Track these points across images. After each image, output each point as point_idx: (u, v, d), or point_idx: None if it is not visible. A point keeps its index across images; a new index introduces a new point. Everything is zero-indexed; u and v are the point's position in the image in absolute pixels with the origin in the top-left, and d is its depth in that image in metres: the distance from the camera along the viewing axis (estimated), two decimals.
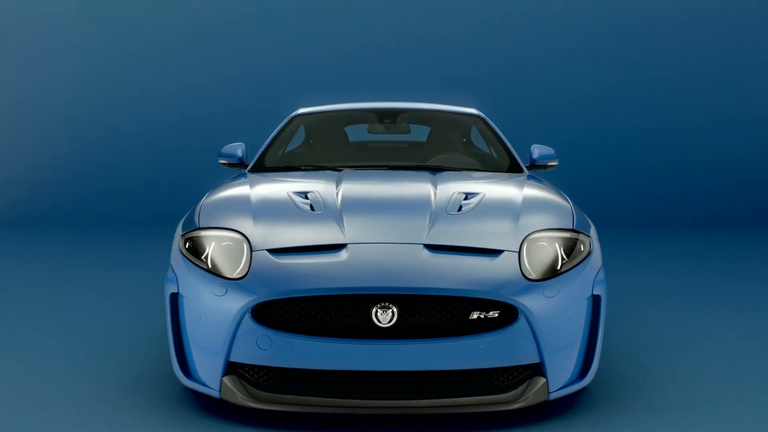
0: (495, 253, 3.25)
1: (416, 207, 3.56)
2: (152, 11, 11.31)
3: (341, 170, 4.34)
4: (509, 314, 3.12)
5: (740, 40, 11.39)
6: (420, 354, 3.05)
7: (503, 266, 3.20)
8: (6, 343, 4.49)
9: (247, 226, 3.40)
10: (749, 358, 4.25)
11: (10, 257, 7.73)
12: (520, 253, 3.27)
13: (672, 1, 11.40)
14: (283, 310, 3.10)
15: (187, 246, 3.40)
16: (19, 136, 11.23)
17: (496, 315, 3.11)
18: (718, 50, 11.38)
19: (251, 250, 3.26)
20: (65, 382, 3.77)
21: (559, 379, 3.23)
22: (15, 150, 11.21)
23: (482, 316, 3.10)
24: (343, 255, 3.19)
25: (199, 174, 10.31)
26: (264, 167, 4.72)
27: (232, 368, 3.18)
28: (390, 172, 4.44)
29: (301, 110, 5.42)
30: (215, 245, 3.33)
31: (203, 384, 3.26)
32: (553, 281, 3.21)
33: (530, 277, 3.20)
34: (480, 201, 3.65)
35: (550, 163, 4.97)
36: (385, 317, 3.05)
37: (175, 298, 3.35)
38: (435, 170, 4.39)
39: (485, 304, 3.10)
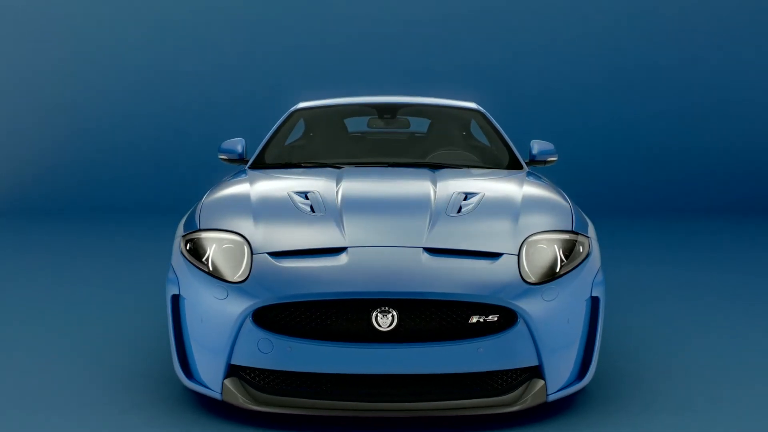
0: (494, 256, 3.26)
1: (416, 208, 3.57)
2: (154, 2, 11.30)
3: (341, 167, 4.35)
4: (508, 318, 3.14)
5: (740, 30, 11.35)
6: (420, 357, 3.07)
7: (502, 270, 3.21)
8: (6, 342, 4.49)
9: (248, 227, 3.40)
10: (749, 358, 4.25)
11: (10, 249, 7.74)
12: (519, 256, 3.28)
13: None
14: (284, 314, 3.11)
15: (188, 248, 3.41)
16: (17, 123, 11.20)
17: (496, 319, 3.12)
18: (717, 40, 11.35)
19: (252, 252, 3.27)
20: (65, 380, 3.78)
21: (557, 380, 3.25)
22: (13, 138, 11.19)
23: (482, 320, 3.11)
24: (344, 258, 3.20)
25: (199, 164, 10.36)
26: (264, 163, 4.72)
27: (233, 371, 3.20)
28: (390, 169, 4.45)
29: (301, 105, 5.41)
30: (216, 247, 3.33)
31: (205, 386, 3.28)
32: (552, 284, 3.22)
33: (529, 280, 3.21)
34: (479, 202, 3.66)
35: (549, 159, 4.97)
36: (385, 321, 3.06)
37: (176, 299, 3.36)
38: (435, 167, 4.40)
39: (484, 308, 3.11)
